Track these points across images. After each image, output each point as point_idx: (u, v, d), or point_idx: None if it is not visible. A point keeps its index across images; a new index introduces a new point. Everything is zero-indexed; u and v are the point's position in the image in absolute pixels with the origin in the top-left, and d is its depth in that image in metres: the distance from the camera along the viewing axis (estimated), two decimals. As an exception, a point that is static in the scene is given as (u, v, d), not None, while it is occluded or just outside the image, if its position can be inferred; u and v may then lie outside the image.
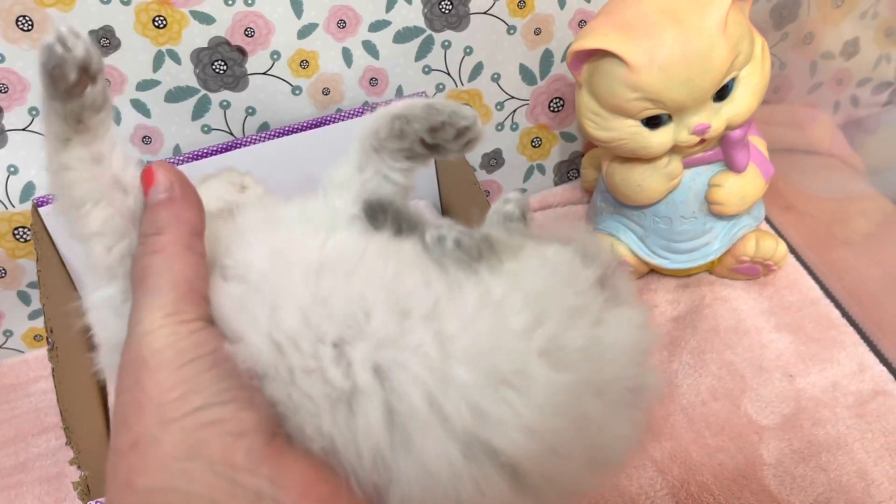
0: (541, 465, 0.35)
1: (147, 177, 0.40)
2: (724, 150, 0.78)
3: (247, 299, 0.38)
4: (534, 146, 0.95)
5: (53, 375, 0.68)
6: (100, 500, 0.61)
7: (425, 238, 0.41)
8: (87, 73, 0.36)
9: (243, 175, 0.50)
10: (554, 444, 0.35)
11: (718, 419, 0.74)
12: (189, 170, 0.81)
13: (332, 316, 0.37)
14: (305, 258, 0.39)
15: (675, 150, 0.76)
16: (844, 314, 0.82)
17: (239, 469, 0.34)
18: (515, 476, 0.35)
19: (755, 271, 0.84)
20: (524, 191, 0.98)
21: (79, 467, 0.64)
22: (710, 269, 0.86)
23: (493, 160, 0.95)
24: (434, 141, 0.44)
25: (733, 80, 0.73)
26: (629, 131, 0.74)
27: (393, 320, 0.36)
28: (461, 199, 0.87)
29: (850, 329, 0.80)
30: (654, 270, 0.87)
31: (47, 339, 0.69)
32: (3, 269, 0.84)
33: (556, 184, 0.99)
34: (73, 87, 0.36)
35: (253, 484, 0.34)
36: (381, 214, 0.44)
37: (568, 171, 0.99)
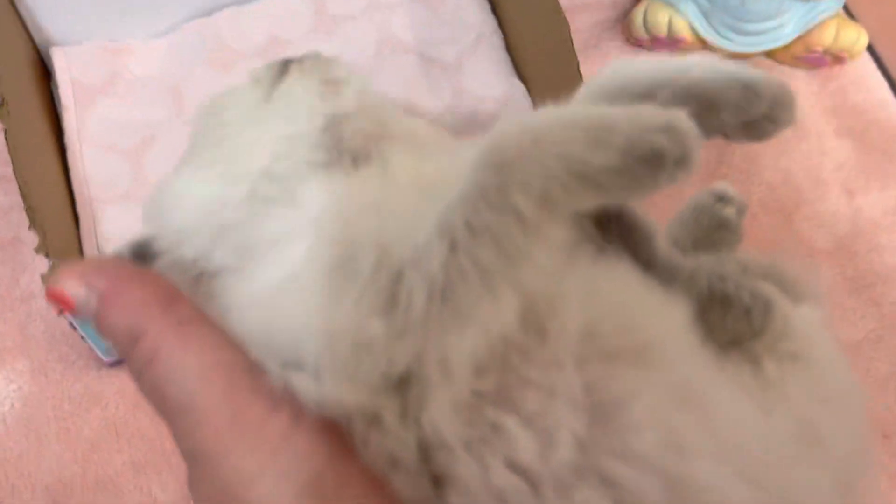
0: None
1: (56, 298, 0.28)
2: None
3: None
4: None
5: (6, 139, 0.56)
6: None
7: (699, 281, 0.33)
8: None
9: (331, 63, 0.37)
10: None
11: (767, 237, 0.67)
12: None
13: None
14: None
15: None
16: (914, 122, 0.73)
17: None
18: None
19: (822, 62, 0.73)
20: None
21: (46, 255, 0.54)
22: (770, 53, 0.75)
23: None
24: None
25: None
26: None
27: None
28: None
29: (919, 140, 0.72)
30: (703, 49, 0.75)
31: (-5, 94, 0.56)
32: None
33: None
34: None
35: None
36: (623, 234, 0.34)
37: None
